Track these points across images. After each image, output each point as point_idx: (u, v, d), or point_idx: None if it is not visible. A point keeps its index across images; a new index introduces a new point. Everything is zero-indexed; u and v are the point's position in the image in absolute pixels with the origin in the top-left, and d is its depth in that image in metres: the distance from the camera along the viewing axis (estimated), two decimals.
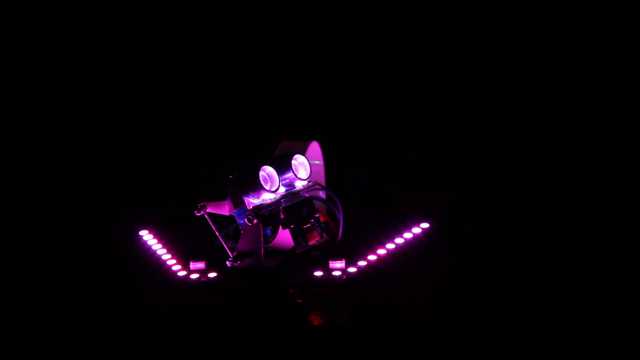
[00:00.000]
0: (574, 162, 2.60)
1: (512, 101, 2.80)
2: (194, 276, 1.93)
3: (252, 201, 1.96)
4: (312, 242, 2.00)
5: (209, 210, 1.95)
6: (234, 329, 1.69)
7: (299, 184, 2.06)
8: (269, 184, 1.98)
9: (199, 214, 1.93)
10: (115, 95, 2.90)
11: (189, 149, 2.85)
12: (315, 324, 1.68)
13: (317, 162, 2.28)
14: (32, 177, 2.71)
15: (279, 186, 1.99)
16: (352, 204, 2.15)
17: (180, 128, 2.90)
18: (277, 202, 1.98)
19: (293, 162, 2.04)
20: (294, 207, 2.00)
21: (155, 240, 2.13)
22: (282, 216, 1.98)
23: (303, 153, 2.12)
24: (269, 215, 1.96)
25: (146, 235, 2.16)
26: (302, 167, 2.08)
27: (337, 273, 1.89)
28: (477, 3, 2.81)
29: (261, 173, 1.96)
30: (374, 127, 2.85)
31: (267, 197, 1.97)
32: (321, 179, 2.24)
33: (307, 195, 2.06)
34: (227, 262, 1.93)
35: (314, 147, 2.25)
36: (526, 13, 2.79)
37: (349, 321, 1.69)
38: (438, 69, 2.86)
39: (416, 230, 2.13)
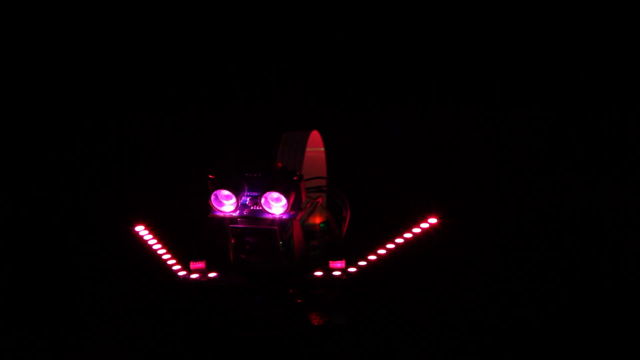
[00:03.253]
0: (574, 162, 2.60)
1: (512, 101, 2.80)
2: (194, 276, 1.93)
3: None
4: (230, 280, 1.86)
5: None
6: (234, 329, 1.69)
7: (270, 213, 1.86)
8: (228, 202, 1.87)
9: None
10: (115, 95, 2.90)
11: (190, 149, 2.85)
12: (315, 324, 1.68)
13: (320, 149, 2.28)
14: (31, 177, 2.71)
15: (236, 207, 1.86)
16: (352, 203, 2.15)
17: (180, 128, 2.90)
18: (233, 219, 1.87)
19: (267, 197, 1.83)
20: (244, 232, 1.84)
21: (155, 240, 2.12)
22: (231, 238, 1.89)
23: (298, 155, 2.10)
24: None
25: (146, 235, 2.16)
26: (272, 204, 1.85)
27: (337, 273, 1.89)
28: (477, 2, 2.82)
29: (223, 193, 1.85)
30: (374, 125, 2.85)
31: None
32: (322, 167, 2.24)
33: (272, 227, 1.83)
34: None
35: (315, 135, 2.24)
36: (526, 13, 2.79)
37: (349, 321, 1.69)
38: (438, 67, 2.86)
39: (416, 229, 2.13)
